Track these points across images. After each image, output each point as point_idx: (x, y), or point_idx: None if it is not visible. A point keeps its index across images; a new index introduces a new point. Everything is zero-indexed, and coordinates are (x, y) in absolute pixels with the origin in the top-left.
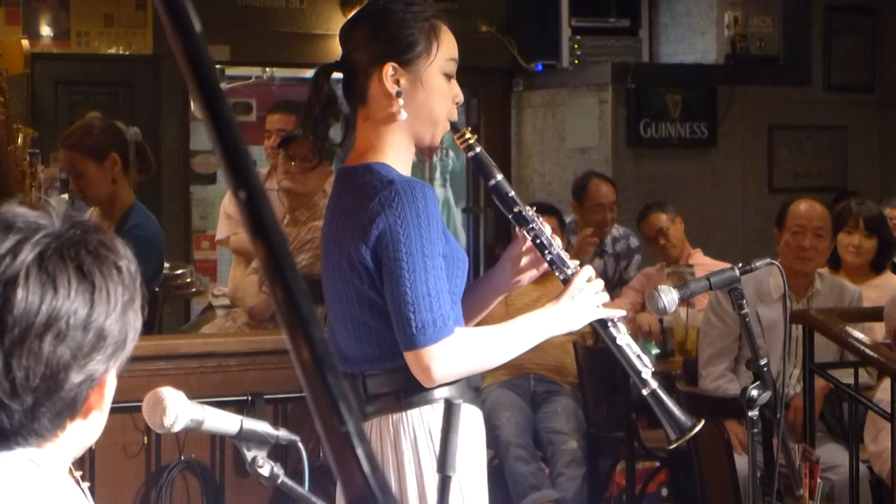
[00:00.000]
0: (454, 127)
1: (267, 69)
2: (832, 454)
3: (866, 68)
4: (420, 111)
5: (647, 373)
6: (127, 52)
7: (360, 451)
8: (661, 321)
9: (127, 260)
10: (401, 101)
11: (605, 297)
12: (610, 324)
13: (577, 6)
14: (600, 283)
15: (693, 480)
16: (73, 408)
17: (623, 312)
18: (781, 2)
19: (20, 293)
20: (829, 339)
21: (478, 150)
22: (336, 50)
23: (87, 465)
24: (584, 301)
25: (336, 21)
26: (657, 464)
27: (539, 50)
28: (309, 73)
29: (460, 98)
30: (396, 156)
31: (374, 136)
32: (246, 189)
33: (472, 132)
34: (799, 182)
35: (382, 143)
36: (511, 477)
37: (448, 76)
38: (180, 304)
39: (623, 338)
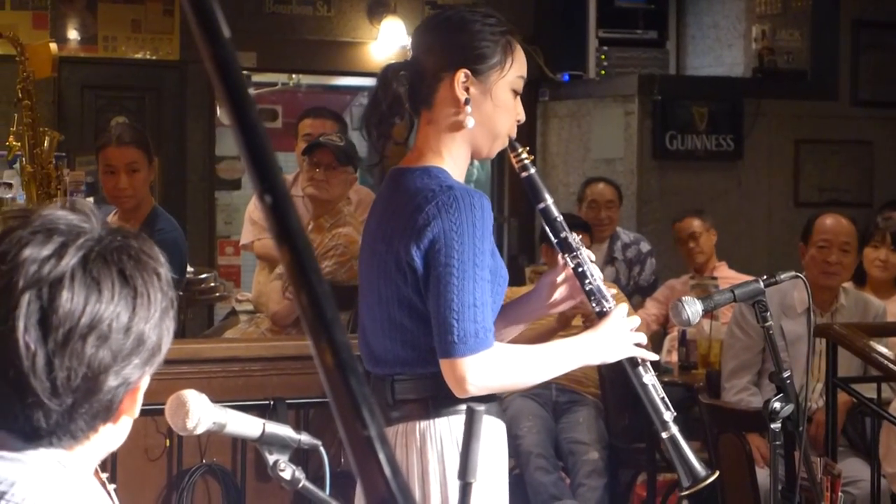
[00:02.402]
0: (512, 145)
1: (293, 76)
2: (854, 468)
3: (894, 83)
4: (485, 122)
5: (668, 416)
6: (154, 58)
7: (381, 456)
8: (684, 333)
9: (164, 266)
10: (468, 109)
11: (643, 337)
12: (640, 363)
13: (605, 17)
14: (637, 320)
15: (715, 493)
16: (108, 411)
17: (655, 356)
18: (809, 16)
19: (65, 294)
20: (852, 354)
21: (532, 171)
22: (363, 57)
23: (109, 468)
24: (621, 336)
25: (363, 29)
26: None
27: (565, 60)
28: (335, 80)
29: (522, 117)
30: (455, 163)
31: (435, 141)
32: (272, 193)
33: (529, 153)
34: (825, 196)
35: (442, 148)
36: (531, 487)
37: (515, 93)
38: (204, 309)
39: (650, 378)
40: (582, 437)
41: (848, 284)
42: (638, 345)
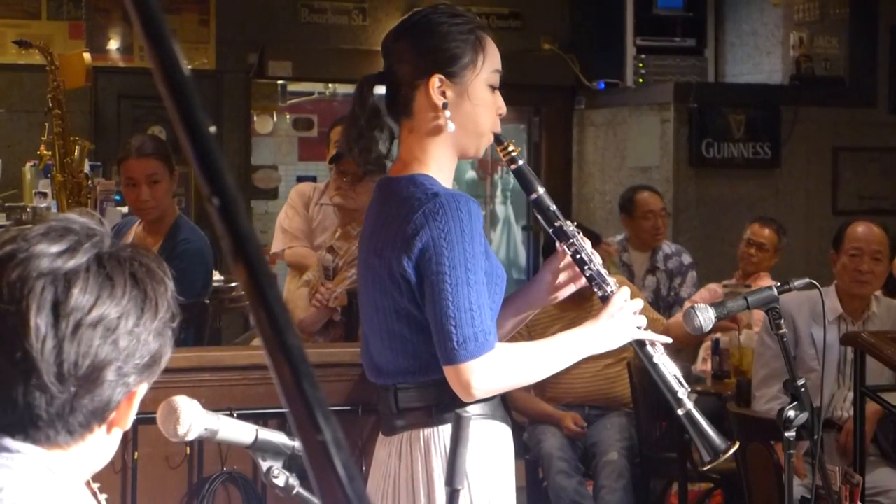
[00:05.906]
0: (497, 139)
1: (329, 85)
2: (884, 478)
3: None
4: (466, 123)
5: (682, 392)
6: (189, 67)
7: (337, 461)
8: (717, 342)
9: (171, 282)
10: (447, 113)
11: (643, 319)
12: (648, 343)
13: (643, 25)
14: (639, 302)
15: (743, 501)
16: (105, 411)
17: (665, 339)
18: (847, 23)
19: (80, 285)
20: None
21: (520, 162)
22: None
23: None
24: (623, 320)
25: None
26: (710, 485)
27: (602, 68)
28: None
29: (503, 110)
30: (440, 168)
31: (419, 148)
32: (220, 196)
33: (515, 145)
34: (864, 204)
35: (426, 156)
36: (553, 491)
37: (493, 88)
38: (239, 317)
39: (660, 357)
40: (604, 440)
41: (879, 292)
42: (642, 327)
